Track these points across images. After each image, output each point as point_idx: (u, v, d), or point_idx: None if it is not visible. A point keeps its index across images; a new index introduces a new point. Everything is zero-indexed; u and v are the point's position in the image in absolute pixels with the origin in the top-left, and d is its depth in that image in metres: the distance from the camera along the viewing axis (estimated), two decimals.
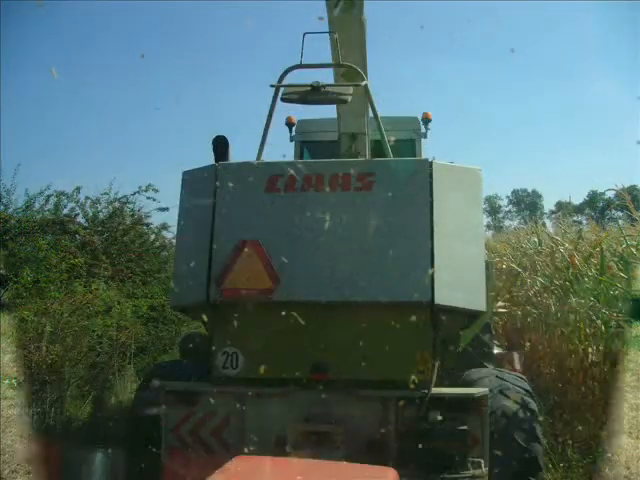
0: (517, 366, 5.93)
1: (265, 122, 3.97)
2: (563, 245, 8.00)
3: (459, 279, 3.37)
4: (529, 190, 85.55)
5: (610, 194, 53.82)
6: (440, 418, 3.34)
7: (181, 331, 9.60)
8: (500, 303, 9.28)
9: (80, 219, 9.72)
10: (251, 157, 3.84)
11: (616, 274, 6.00)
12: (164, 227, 11.03)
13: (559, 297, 7.71)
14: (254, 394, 3.50)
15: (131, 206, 10.40)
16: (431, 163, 3.52)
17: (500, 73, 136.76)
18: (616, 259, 6.26)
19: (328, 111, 5.56)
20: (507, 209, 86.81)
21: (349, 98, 3.98)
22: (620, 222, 8.39)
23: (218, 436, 3.55)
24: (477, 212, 3.59)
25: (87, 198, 9.91)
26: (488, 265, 3.84)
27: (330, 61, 4.20)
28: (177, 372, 4.20)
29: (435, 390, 3.41)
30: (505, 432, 3.63)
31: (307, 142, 6.69)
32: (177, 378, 3.89)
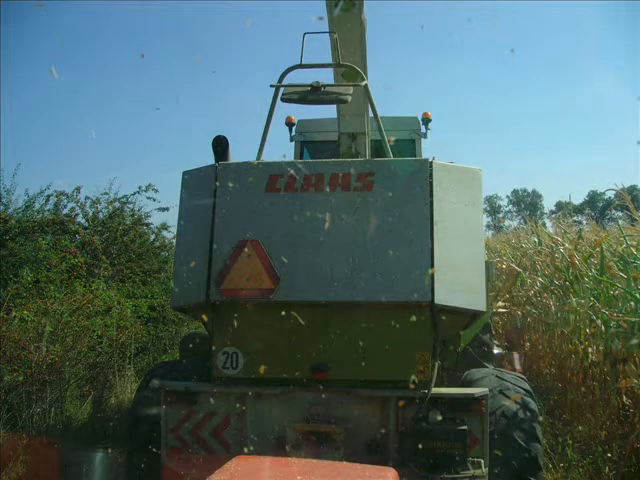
0: (517, 366, 5.93)
1: (265, 122, 3.97)
2: (563, 245, 8.01)
3: (459, 279, 3.37)
4: (529, 190, 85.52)
5: (610, 194, 53.99)
6: (440, 418, 3.34)
7: (181, 331, 9.61)
8: (500, 303, 9.31)
9: (80, 219, 9.70)
10: (251, 157, 3.85)
11: (616, 274, 6.00)
12: (164, 227, 11.05)
13: (559, 297, 7.72)
14: (254, 394, 3.50)
15: (131, 206, 10.41)
16: (431, 163, 3.51)
17: (500, 73, 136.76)
18: (616, 259, 6.26)
19: (328, 111, 5.58)
20: (507, 209, 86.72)
21: (349, 98, 3.98)
22: (620, 222, 8.38)
23: (218, 436, 3.55)
24: (477, 212, 3.58)
25: (87, 198, 9.92)
26: (488, 265, 3.84)
27: (330, 61, 4.20)
28: (177, 372, 4.19)
29: (435, 390, 3.41)
30: (505, 432, 3.62)
31: (307, 142, 6.69)
32: (177, 378, 3.89)
